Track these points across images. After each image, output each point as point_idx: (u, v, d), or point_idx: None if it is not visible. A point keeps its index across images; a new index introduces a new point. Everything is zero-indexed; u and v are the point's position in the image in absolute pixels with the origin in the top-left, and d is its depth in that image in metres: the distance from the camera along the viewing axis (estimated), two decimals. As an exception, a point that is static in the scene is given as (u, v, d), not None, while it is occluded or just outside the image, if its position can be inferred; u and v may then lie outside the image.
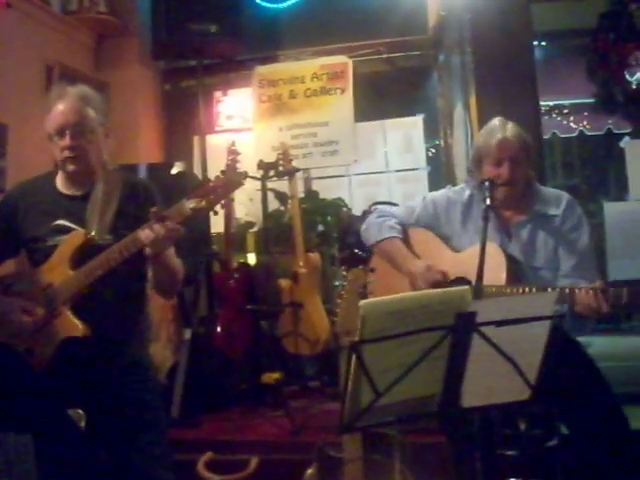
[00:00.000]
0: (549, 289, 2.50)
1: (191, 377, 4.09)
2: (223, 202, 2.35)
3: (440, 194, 3.03)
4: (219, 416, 4.09)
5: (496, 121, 2.86)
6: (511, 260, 2.70)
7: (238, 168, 2.36)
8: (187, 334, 4.22)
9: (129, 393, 2.47)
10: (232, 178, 2.33)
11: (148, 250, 2.30)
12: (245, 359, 4.50)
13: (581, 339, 2.86)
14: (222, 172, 2.37)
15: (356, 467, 2.47)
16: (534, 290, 2.50)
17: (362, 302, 1.72)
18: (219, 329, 4.38)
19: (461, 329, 1.76)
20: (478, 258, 2.34)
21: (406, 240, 2.96)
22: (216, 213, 2.39)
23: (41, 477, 2.45)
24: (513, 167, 2.75)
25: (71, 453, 2.39)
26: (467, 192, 2.94)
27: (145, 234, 2.28)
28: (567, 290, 2.46)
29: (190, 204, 2.28)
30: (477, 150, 2.87)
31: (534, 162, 2.97)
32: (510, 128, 2.81)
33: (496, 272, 2.61)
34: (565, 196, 2.87)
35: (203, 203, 2.28)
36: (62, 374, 2.40)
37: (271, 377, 3.84)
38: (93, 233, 2.43)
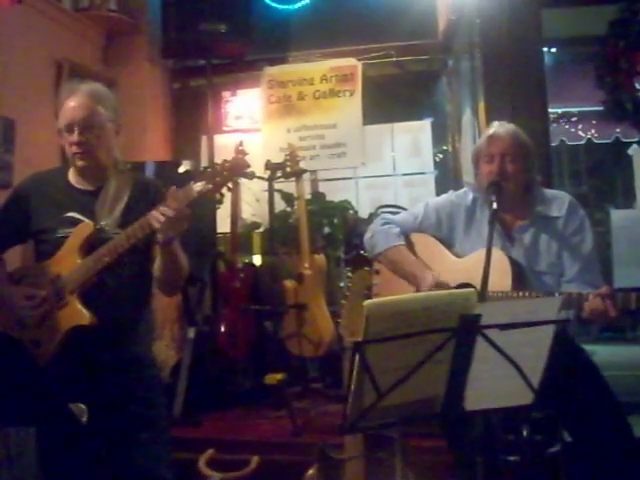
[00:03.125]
0: (556, 294, 2.47)
1: (194, 376, 4.09)
2: (230, 185, 2.36)
3: (443, 199, 2.98)
4: (221, 415, 4.10)
5: (495, 122, 2.86)
6: (515, 265, 2.66)
7: (245, 154, 2.38)
8: (191, 333, 4.22)
9: (132, 390, 2.47)
10: (238, 161, 2.35)
11: (159, 235, 2.31)
12: (248, 359, 4.51)
13: (586, 347, 2.84)
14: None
15: (357, 468, 2.47)
16: (541, 296, 2.48)
17: (366, 302, 1.71)
18: (223, 329, 4.39)
19: (465, 332, 1.75)
20: (482, 264, 2.32)
21: (409, 247, 2.90)
22: (223, 195, 2.42)
23: (41, 471, 2.46)
24: (503, 162, 2.72)
25: (72, 448, 2.39)
26: (470, 195, 2.89)
27: (152, 216, 2.29)
28: (574, 295, 2.43)
29: (197, 187, 2.30)
30: (474, 151, 2.87)
31: (539, 167, 2.94)
32: (505, 126, 2.80)
33: (501, 278, 2.57)
34: (567, 197, 2.82)
35: (210, 186, 2.30)
36: (66, 368, 2.40)
37: (274, 378, 3.83)
38: (103, 223, 2.44)
